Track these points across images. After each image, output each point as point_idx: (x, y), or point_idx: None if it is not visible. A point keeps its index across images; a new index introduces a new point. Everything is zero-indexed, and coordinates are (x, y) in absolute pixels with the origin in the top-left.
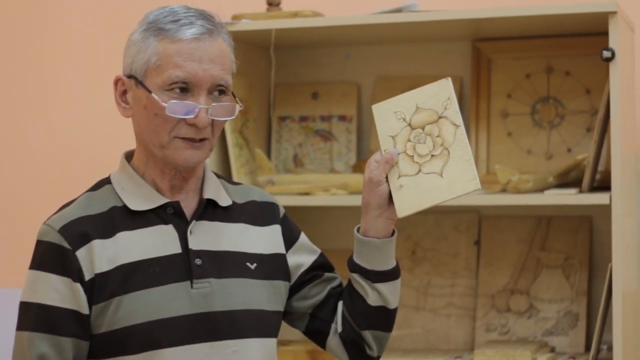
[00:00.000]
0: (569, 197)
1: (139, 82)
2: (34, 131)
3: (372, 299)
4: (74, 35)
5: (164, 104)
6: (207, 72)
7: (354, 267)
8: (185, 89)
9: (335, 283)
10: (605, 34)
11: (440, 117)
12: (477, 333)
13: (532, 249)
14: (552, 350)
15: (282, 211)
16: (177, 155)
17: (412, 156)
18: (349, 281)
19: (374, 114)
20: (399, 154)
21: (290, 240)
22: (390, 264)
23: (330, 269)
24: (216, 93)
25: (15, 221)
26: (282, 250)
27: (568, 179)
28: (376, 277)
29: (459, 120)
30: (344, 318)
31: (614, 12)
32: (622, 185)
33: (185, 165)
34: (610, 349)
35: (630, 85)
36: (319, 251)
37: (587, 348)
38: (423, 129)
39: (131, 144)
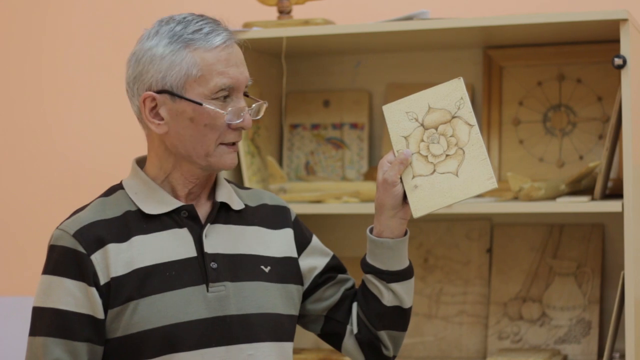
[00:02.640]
0: (581, 204)
1: (177, 96)
2: (34, 139)
3: (387, 299)
4: (75, 40)
5: (223, 111)
6: (242, 75)
7: (368, 268)
8: (227, 95)
9: (349, 284)
10: (616, 41)
11: (453, 117)
12: (489, 341)
13: (544, 256)
14: (565, 358)
15: (293, 215)
16: (222, 161)
17: (426, 156)
18: (363, 282)
19: (385, 115)
20: (412, 154)
21: (302, 243)
22: (404, 264)
23: (343, 270)
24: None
25: (15, 230)
26: (294, 254)
27: (580, 187)
28: (391, 277)
29: (472, 119)
30: (359, 319)
31: (625, 20)
32: (634, 193)
33: (228, 169)
34: (622, 357)
35: None
36: (332, 253)
37: (600, 356)
38: (436, 129)
39: (131, 151)
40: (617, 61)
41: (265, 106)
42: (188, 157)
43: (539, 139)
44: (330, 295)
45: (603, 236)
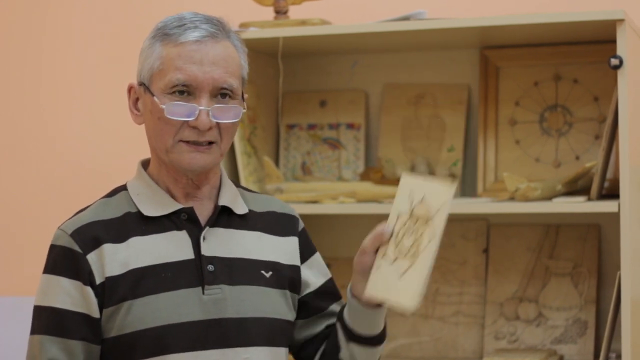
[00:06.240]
0: (578, 205)
1: (146, 88)
2: (34, 139)
3: (344, 354)
4: (75, 40)
5: (162, 106)
6: (207, 74)
7: (339, 315)
8: (187, 92)
9: (332, 320)
10: (613, 41)
11: (428, 220)
12: (485, 341)
13: (541, 257)
14: (561, 358)
15: (301, 225)
16: (181, 159)
17: (398, 244)
18: (335, 322)
19: (400, 183)
20: (391, 234)
21: (305, 254)
22: (372, 331)
23: (336, 297)
24: (220, 96)
25: (15, 230)
26: (297, 262)
27: (576, 187)
28: (352, 336)
29: (439, 231)
30: (323, 354)
31: (622, 20)
32: (630, 193)
33: (190, 169)
34: (619, 357)
35: (638, 93)
36: (330, 275)
37: (596, 356)
38: (416, 222)
39: (131, 151)
40: (614, 61)
41: (242, 111)
42: (157, 152)
43: (535, 139)
44: (312, 326)
45: (599, 236)
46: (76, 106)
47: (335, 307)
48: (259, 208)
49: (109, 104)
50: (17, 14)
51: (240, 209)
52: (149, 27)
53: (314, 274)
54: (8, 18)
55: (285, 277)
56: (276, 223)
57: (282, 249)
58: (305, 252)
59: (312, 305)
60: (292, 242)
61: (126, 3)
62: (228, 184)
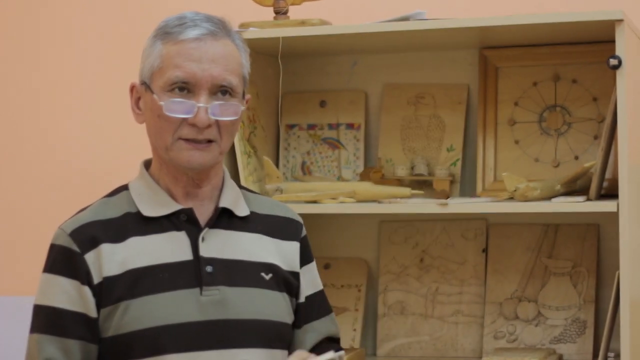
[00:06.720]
0: (577, 204)
1: (147, 87)
2: (34, 140)
3: None
4: (75, 41)
5: (161, 103)
6: (206, 72)
7: None
8: (187, 89)
9: (314, 338)
10: (612, 42)
11: None
12: (485, 340)
13: (540, 256)
14: (560, 357)
15: (304, 232)
16: (180, 156)
17: None
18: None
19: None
20: None
21: (302, 260)
22: None
23: (322, 311)
24: (220, 94)
25: (16, 230)
26: (297, 267)
27: (575, 187)
28: None
29: None
30: None
31: (621, 20)
32: (629, 193)
33: (189, 167)
34: (617, 356)
35: (637, 93)
36: (321, 288)
37: (595, 355)
38: None
39: (130, 152)
40: (613, 62)
41: (242, 109)
42: (157, 151)
43: (534, 139)
44: (298, 343)
45: (598, 236)
46: (76, 107)
47: (318, 325)
48: (262, 210)
49: (108, 104)
50: (17, 14)
51: (242, 210)
52: (149, 27)
53: (306, 282)
54: (8, 18)
55: (284, 280)
56: (279, 227)
57: (283, 253)
58: (303, 259)
59: (300, 313)
60: (294, 247)
61: (126, 3)
62: (231, 185)
